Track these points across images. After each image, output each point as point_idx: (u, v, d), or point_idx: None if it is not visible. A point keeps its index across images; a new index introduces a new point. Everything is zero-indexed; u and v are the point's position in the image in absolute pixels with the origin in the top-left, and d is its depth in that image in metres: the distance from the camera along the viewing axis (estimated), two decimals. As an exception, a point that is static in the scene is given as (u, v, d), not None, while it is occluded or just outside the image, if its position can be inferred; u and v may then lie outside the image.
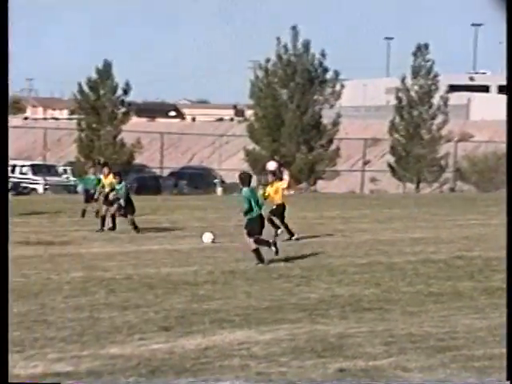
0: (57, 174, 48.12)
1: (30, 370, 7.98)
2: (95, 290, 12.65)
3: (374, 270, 15.27)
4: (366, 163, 55.09)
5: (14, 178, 44.69)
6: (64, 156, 64.45)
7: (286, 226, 20.49)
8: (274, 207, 20.67)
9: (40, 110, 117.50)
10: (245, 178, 15.89)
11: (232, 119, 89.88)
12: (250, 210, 15.63)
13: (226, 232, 21.82)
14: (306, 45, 46.71)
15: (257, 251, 15.75)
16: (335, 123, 47.85)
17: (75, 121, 51.02)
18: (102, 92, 46.34)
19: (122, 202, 21.90)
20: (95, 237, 20.96)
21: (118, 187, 22.24)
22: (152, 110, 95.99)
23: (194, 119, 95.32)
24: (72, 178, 46.71)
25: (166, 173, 51.84)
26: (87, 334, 9.59)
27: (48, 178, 46.17)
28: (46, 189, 45.45)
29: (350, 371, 8.05)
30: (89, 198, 26.72)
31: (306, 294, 12.59)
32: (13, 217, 25.97)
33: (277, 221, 20.39)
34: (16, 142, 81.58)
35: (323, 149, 47.87)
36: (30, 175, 46.51)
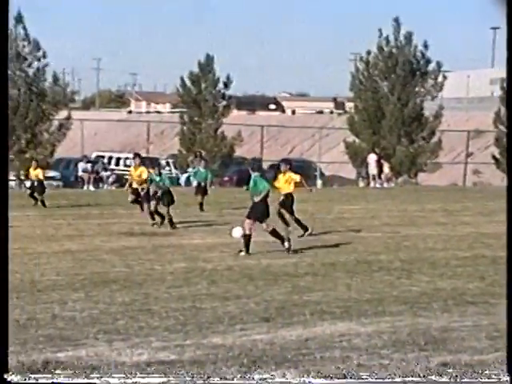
0: (160, 166, 48.78)
1: (135, 358, 8.12)
2: (197, 281, 12.79)
3: (477, 263, 15.00)
4: (468, 155, 54.14)
5: (117, 170, 45.55)
6: (166, 149, 65.32)
7: (298, 220, 19.33)
8: (283, 197, 19.60)
9: (143, 103, 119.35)
10: (254, 164, 16.35)
11: (332, 112, 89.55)
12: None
13: (325, 224, 21.76)
14: (409, 36, 46.14)
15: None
16: (437, 115, 47.14)
17: (177, 114, 51.63)
18: (203, 86, 46.75)
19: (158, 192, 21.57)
20: (196, 228, 21.18)
21: (157, 179, 22.11)
22: (252, 103, 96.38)
23: (293, 112, 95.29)
24: (174, 171, 47.30)
25: (265, 165, 52.03)
26: (190, 323, 9.71)
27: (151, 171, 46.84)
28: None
29: (453, 365, 7.93)
30: (198, 191, 26.84)
31: (407, 286, 12.46)
32: (118, 208, 26.47)
33: (287, 215, 19.31)
34: (120, 135, 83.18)
35: (424, 141, 47.24)
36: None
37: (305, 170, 50.99)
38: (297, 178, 20.01)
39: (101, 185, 43.02)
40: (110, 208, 27.30)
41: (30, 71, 41.03)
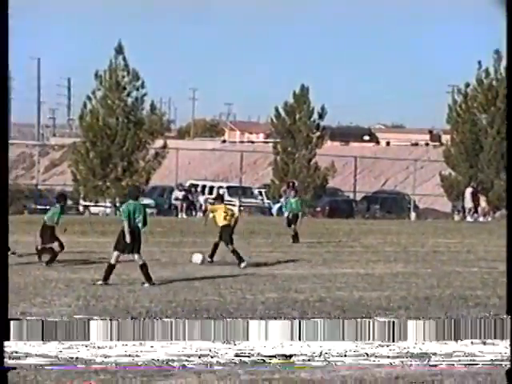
0: (252, 195, 49.08)
1: None
2: (288, 312, 12.75)
3: None
4: None
5: (210, 199, 45.92)
6: (259, 178, 65.62)
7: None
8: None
9: (237, 133, 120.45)
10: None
11: (427, 144, 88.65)
12: None
13: (419, 258, 21.49)
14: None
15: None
16: (537, 149, 46.24)
17: (271, 144, 51.87)
18: (297, 116, 46.94)
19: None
20: (288, 258, 21.16)
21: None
22: (346, 134, 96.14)
23: (388, 143, 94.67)
24: (266, 201, 47.47)
25: (358, 196, 51.76)
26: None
27: (243, 200, 47.19)
28: (240, 210, 46.44)
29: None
30: (290, 222, 26.30)
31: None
32: (210, 236, 26.62)
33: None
34: (214, 164, 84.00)
35: (523, 175, 46.35)
36: (226, 196, 47.66)
37: (398, 201, 50.61)
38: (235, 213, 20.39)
39: (194, 213, 43.45)
40: (202, 236, 27.51)
41: (129, 100, 41.88)
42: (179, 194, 43.29)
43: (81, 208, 44.22)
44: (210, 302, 13.59)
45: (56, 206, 19.34)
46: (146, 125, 42.08)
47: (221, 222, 19.69)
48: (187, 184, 47.93)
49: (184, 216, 41.74)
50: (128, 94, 41.83)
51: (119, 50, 41.48)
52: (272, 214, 44.16)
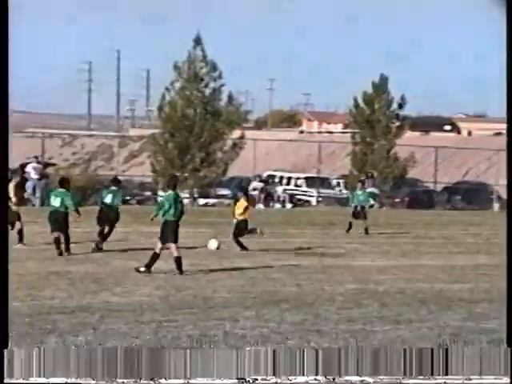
0: (330, 186, 48.85)
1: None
2: (368, 303, 12.65)
3: None
4: None
5: (288, 189, 45.91)
6: (337, 169, 65.30)
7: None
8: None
9: (315, 123, 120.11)
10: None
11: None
12: None
13: (502, 249, 21.11)
14: None
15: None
16: None
17: (349, 134, 51.56)
18: (376, 106, 46.53)
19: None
20: (367, 250, 21.02)
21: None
22: (426, 124, 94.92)
23: (469, 133, 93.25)
24: (344, 191, 47.24)
25: (439, 187, 51.09)
26: (360, 346, 9.58)
27: (321, 191, 47.02)
28: (318, 201, 46.29)
29: None
30: (356, 213, 26.23)
31: None
32: (287, 227, 26.60)
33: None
34: (291, 154, 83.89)
35: None
36: (304, 187, 47.59)
37: (480, 192, 49.81)
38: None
39: (271, 203, 43.49)
40: (280, 227, 27.50)
41: (207, 91, 42.07)
42: (257, 184, 43.36)
43: (159, 198, 44.62)
44: (288, 292, 13.58)
45: (112, 188, 19.90)
46: (224, 116, 42.21)
47: (239, 215, 20.31)
48: (265, 175, 47.97)
49: (262, 207, 41.80)
50: (206, 85, 42.01)
51: (198, 42, 41.70)
52: (350, 205, 43.91)
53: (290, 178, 48.71)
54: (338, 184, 48.88)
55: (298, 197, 45.72)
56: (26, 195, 35.67)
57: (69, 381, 7.60)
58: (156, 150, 42.76)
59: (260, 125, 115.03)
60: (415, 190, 48.59)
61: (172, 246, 15.48)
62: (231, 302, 12.45)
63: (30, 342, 9.29)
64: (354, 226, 26.74)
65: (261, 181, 44.04)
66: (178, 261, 15.43)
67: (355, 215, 26.36)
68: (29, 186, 34.94)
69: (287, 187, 46.72)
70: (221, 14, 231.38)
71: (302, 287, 14.22)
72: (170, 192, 15.91)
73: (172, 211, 15.58)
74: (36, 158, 39.27)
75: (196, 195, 42.46)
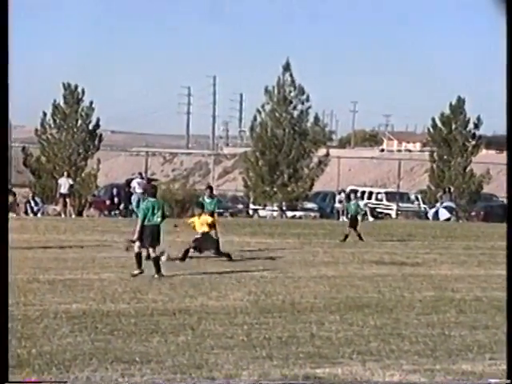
0: (409, 200, 48.40)
1: (387, 379, 8.00)
2: (446, 309, 12.43)
3: None
4: None
5: (370, 203, 45.57)
6: (415, 184, 64.57)
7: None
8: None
9: (395, 142, 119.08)
10: None
11: None
12: None
13: None
14: None
15: None
16: None
17: (427, 152, 50.94)
18: (454, 126, 45.93)
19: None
20: (444, 259, 20.69)
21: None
22: (501, 143, 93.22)
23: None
24: (422, 205, 46.67)
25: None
26: (439, 349, 9.43)
27: (400, 205, 46.65)
28: (398, 214, 45.87)
29: None
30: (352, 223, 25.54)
31: None
32: (369, 238, 26.37)
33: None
34: (372, 171, 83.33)
35: None
36: (384, 201, 47.25)
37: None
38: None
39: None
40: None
41: (295, 113, 42.21)
42: (341, 197, 43.18)
43: (250, 211, 44.83)
44: (370, 299, 13.45)
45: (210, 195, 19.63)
46: (310, 135, 42.27)
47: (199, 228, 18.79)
48: (348, 189, 47.75)
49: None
50: (294, 108, 42.13)
51: (286, 67, 41.90)
52: (428, 218, 43.33)
53: (371, 193, 48.40)
54: (417, 198, 48.33)
55: (379, 210, 45.39)
56: (131, 208, 36.25)
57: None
58: (248, 166, 43.07)
59: (344, 144, 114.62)
60: (490, 205, 47.65)
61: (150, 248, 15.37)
62: (317, 307, 12.40)
63: (136, 340, 9.41)
64: (432, 238, 26.39)
65: (344, 195, 43.84)
66: (156, 261, 15.27)
67: (351, 225, 25.42)
68: (134, 199, 35.51)
69: (369, 201, 46.38)
70: (308, 40, 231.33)
71: (383, 294, 14.07)
72: (151, 199, 15.73)
73: (154, 217, 15.42)
74: (140, 174, 39.88)
75: (284, 208, 42.53)
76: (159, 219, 15.56)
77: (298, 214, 42.96)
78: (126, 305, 11.97)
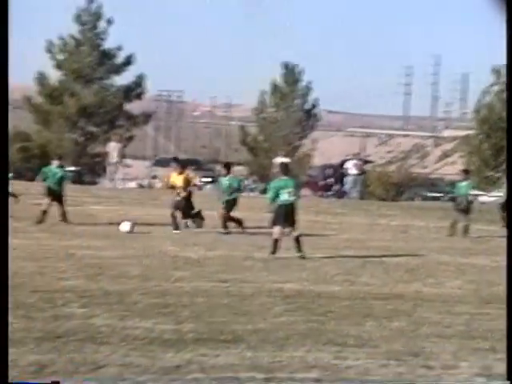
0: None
1: None
2: None
3: None
4: None
5: None
6: None
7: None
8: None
9: None
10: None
11: None
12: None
13: None
14: None
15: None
16: None
17: None
18: None
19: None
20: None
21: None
22: None
23: None
24: None
25: None
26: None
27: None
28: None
29: None
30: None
31: None
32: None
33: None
34: None
35: None
36: None
37: None
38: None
39: None
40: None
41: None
42: None
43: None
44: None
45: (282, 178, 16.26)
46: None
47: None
48: None
49: None
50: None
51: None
52: None
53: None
54: None
55: None
56: (344, 189, 36.47)
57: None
58: (470, 150, 42.01)
59: None
60: None
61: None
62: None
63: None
64: None
65: None
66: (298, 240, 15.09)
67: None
68: (349, 180, 35.68)
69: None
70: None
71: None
72: (283, 178, 15.50)
73: (287, 195, 15.11)
74: (357, 154, 39.99)
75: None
76: (292, 198, 15.36)
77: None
78: (338, 287, 12.07)
